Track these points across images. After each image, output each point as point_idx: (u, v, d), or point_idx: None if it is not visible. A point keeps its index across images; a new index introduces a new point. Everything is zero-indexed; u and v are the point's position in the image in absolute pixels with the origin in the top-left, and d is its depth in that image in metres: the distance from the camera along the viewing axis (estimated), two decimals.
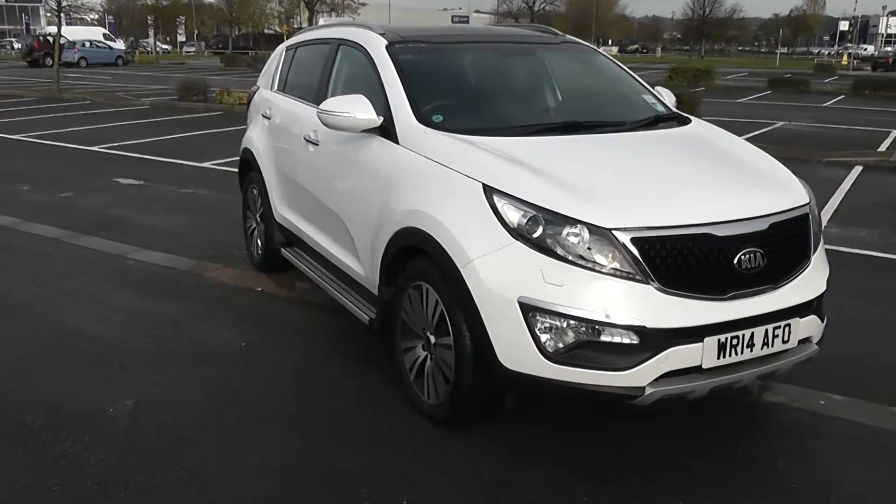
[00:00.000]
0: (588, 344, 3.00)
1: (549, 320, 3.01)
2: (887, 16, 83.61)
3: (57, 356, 4.34)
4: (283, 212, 5.32)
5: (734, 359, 3.14)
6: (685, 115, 4.40)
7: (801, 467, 3.35)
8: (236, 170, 6.35)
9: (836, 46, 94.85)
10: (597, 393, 3.04)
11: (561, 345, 3.01)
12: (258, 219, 5.83)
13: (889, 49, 71.50)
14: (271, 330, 4.78)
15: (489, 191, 3.21)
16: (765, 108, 21.19)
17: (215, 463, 3.27)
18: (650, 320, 2.97)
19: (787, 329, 3.26)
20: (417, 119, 3.78)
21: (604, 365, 3.00)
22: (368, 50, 4.30)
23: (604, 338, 2.98)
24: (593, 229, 3.01)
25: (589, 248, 3.01)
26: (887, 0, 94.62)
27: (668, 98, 4.70)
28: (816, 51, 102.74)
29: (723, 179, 3.58)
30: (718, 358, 3.10)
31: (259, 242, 5.87)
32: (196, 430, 3.54)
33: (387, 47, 4.21)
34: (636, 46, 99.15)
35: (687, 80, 29.11)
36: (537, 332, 3.02)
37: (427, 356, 3.61)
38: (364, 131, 3.95)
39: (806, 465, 3.38)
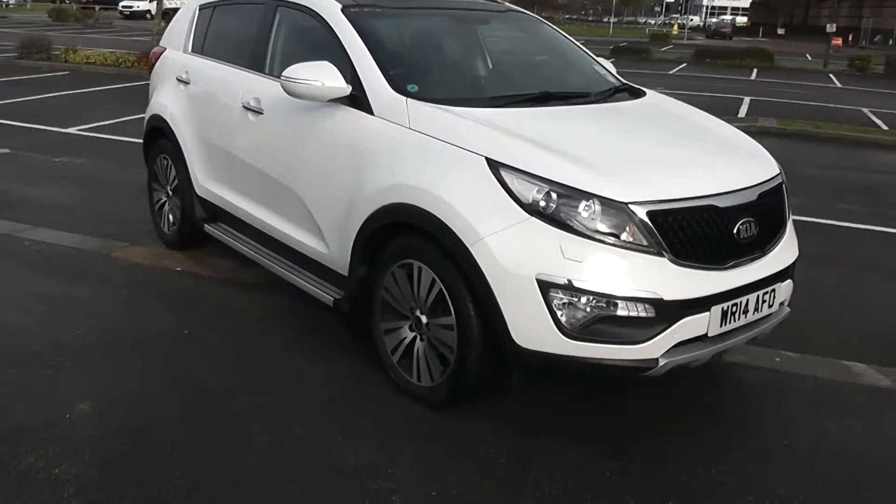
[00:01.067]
0: (606, 318, 2.97)
1: (568, 297, 2.95)
2: None
3: None
4: (208, 185, 4.93)
5: (733, 325, 3.24)
6: (637, 86, 4.43)
7: (785, 426, 3.50)
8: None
9: (662, 17, 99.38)
10: (613, 367, 3.03)
11: (579, 321, 2.97)
12: (170, 192, 5.39)
13: (727, 18, 76.07)
14: (210, 313, 4.44)
15: (495, 165, 3.09)
16: None
17: (210, 465, 2.98)
18: (666, 292, 2.99)
19: (772, 294, 3.41)
20: (393, 88, 3.57)
21: (621, 339, 3.00)
22: (321, 14, 4.00)
23: (620, 312, 2.97)
24: (610, 203, 2.97)
25: (606, 223, 2.97)
26: None
27: (612, 69, 4.73)
28: (643, 20, 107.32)
29: (712, 152, 3.64)
30: (721, 325, 3.19)
31: (171, 218, 5.44)
32: (173, 430, 3.22)
33: (342, 10, 3.95)
34: None
35: None
36: (555, 309, 2.96)
37: (415, 337, 3.47)
38: (330, 101, 3.70)
39: (789, 423, 3.53)
